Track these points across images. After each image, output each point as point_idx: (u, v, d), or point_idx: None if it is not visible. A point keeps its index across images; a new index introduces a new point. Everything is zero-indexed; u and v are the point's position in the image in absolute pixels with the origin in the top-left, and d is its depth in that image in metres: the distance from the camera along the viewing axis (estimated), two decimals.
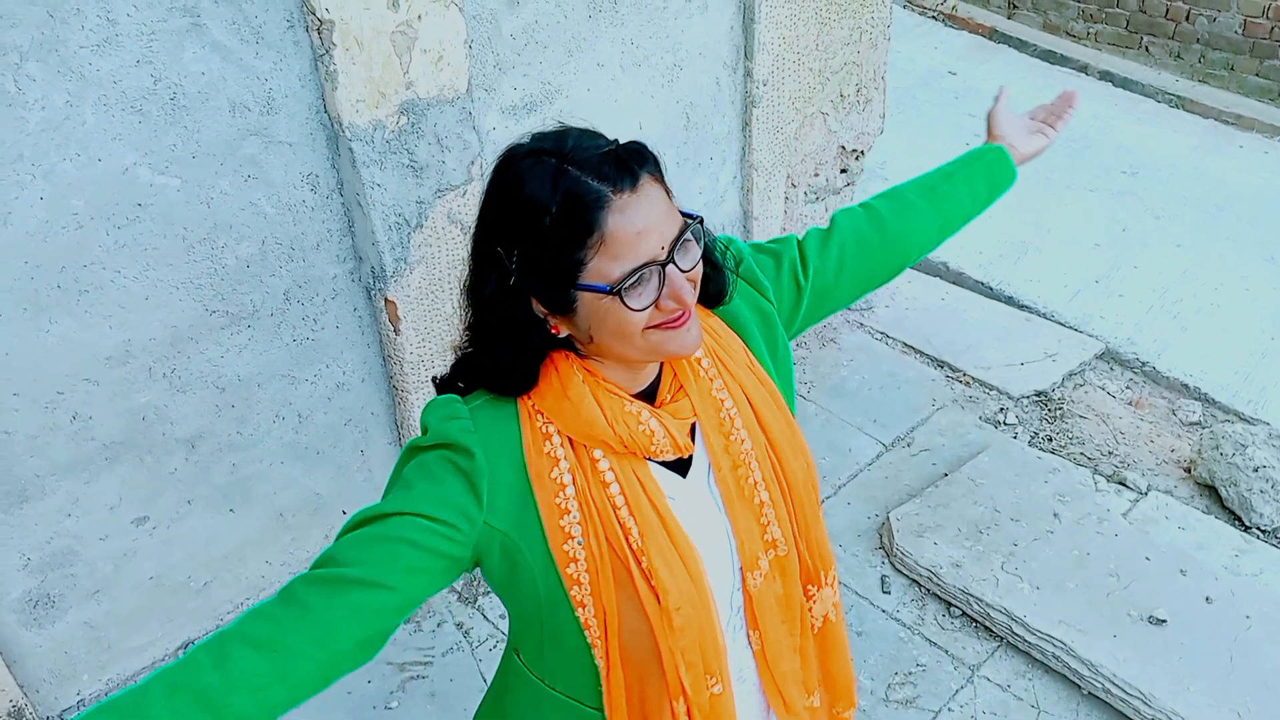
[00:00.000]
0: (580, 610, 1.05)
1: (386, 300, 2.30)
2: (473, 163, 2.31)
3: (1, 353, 1.86)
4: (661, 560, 1.04)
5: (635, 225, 0.95)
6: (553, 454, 1.04)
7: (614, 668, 1.09)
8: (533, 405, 1.06)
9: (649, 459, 1.07)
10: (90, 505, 2.10)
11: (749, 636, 1.17)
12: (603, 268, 0.95)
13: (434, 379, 1.14)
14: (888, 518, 2.77)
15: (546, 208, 0.95)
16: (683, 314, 1.00)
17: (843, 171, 3.54)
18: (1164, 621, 2.44)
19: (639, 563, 1.04)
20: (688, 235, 0.99)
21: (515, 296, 1.01)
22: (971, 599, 2.54)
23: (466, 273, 1.06)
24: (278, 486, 2.38)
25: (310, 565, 1.01)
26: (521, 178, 0.97)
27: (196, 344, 2.11)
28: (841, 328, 3.60)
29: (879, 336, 3.57)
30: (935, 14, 6.51)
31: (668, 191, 1.01)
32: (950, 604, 2.60)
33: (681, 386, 1.09)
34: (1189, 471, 3.06)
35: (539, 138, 1.00)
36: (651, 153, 1.01)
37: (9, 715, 2.11)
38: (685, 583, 1.05)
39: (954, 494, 2.83)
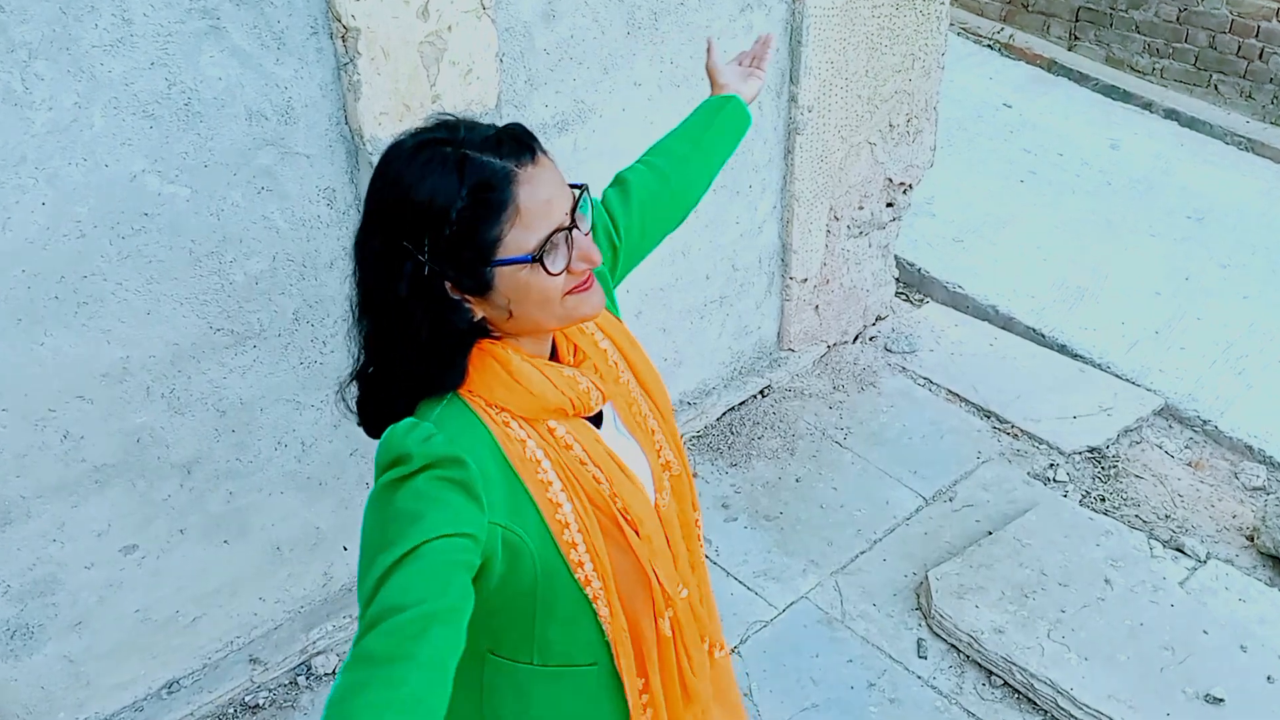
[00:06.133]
0: (578, 570, 1.14)
1: None
2: None
3: None
4: (630, 499, 1.16)
5: (543, 195, 1.04)
6: (518, 436, 1.11)
7: (615, 613, 1.18)
8: (481, 400, 1.11)
9: (581, 416, 1.17)
10: (76, 531, 2.06)
11: None
12: (519, 240, 1.03)
13: (356, 407, 1.17)
14: (926, 577, 2.68)
15: (457, 192, 1.01)
16: (589, 276, 1.10)
17: (889, 205, 3.47)
18: (1221, 700, 2.34)
19: (617, 506, 1.15)
20: (582, 200, 1.10)
21: (432, 286, 1.05)
22: (1015, 668, 2.44)
23: (358, 285, 1.09)
24: (276, 518, 2.33)
25: (363, 625, 0.94)
26: (420, 171, 1.02)
27: (198, 363, 2.08)
28: (882, 371, 3.47)
29: (922, 382, 3.46)
30: (991, 43, 6.39)
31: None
32: (991, 672, 2.50)
33: (577, 345, 1.21)
34: (1251, 540, 2.94)
35: (424, 131, 1.07)
36: (532, 131, 1.11)
37: None
38: (647, 511, 1.19)
39: (998, 554, 2.73)
